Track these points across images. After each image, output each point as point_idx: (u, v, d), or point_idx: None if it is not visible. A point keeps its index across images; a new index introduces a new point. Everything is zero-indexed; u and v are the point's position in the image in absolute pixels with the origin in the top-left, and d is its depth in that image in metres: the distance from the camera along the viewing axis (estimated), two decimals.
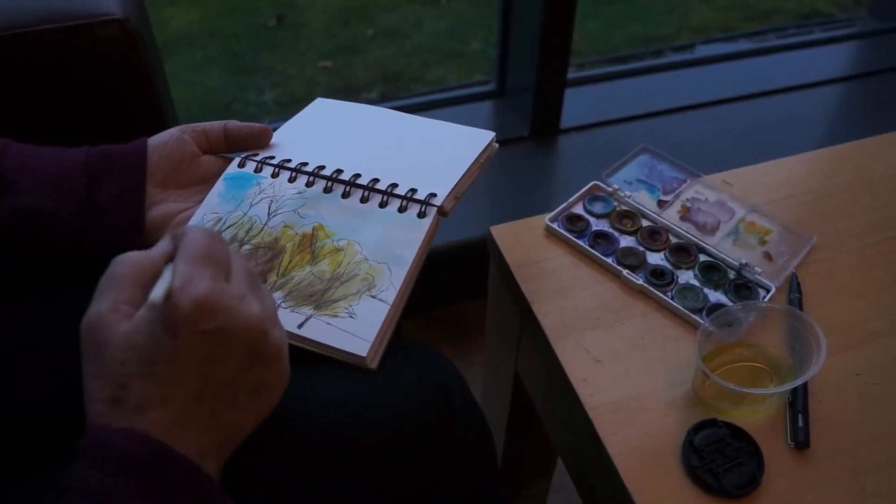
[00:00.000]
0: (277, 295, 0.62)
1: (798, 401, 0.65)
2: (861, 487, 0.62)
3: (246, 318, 0.44)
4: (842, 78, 1.89)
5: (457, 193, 0.68)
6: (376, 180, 0.69)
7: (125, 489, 0.40)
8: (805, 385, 0.66)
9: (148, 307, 0.42)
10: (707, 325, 0.67)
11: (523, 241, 0.81)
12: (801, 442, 0.63)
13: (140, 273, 0.45)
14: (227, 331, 0.43)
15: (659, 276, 0.76)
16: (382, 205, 0.67)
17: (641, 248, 0.80)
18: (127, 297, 0.44)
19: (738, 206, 0.83)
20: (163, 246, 0.47)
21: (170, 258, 0.46)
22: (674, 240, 0.81)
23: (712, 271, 0.77)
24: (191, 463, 0.42)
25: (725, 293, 0.76)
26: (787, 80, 1.85)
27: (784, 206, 0.85)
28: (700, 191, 0.85)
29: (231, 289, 0.44)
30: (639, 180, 0.86)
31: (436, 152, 0.72)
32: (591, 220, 0.82)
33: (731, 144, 1.66)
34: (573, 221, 0.82)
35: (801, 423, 0.64)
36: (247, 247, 0.66)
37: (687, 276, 0.77)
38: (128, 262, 0.45)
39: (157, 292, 0.42)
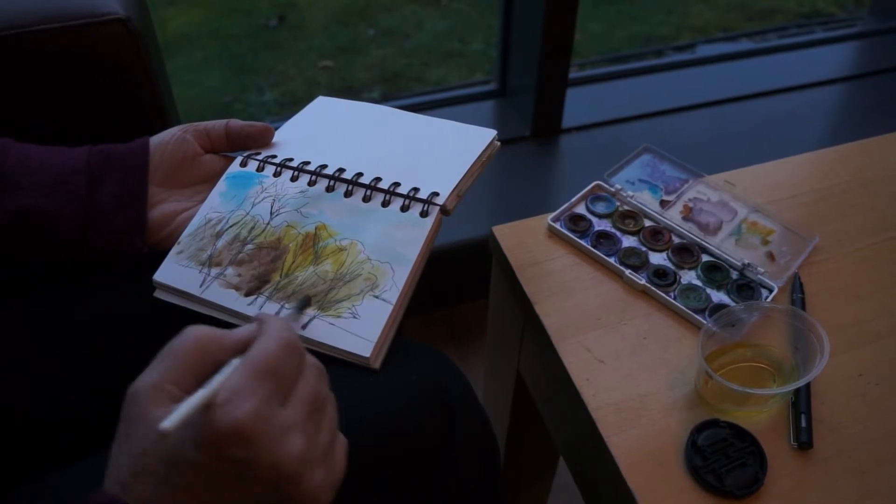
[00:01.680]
0: (280, 296, 0.62)
1: (801, 401, 0.65)
2: (863, 487, 0.61)
3: (277, 458, 0.40)
4: (843, 78, 1.89)
5: (459, 192, 0.68)
6: (378, 179, 0.69)
7: None
8: (808, 385, 0.66)
9: (186, 406, 0.39)
10: (710, 325, 0.67)
11: (525, 241, 0.80)
12: (804, 442, 0.63)
13: (201, 355, 0.42)
14: (255, 464, 0.39)
15: (661, 277, 0.76)
16: (385, 204, 0.67)
17: (644, 249, 0.80)
18: (177, 378, 0.41)
19: (741, 207, 0.83)
20: (242, 332, 0.44)
21: (242, 346, 0.43)
22: (676, 240, 0.81)
23: (715, 271, 0.77)
24: None
25: (728, 293, 0.75)
26: (788, 81, 1.85)
27: (785, 207, 0.85)
28: (702, 191, 0.85)
29: (279, 417, 0.40)
30: (641, 180, 0.86)
31: (438, 151, 0.72)
32: (594, 220, 0.82)
33: (731, 144, 1.66)
34: (575, 221, 0.82)
35: (804, 424, 0.64)
36: (249, 246, 0.66)
37: (689, 277, 0.77)
38: (193, 339, 0.42)
39: (208, 389, 0.39)
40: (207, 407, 0.38)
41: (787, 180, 0.90)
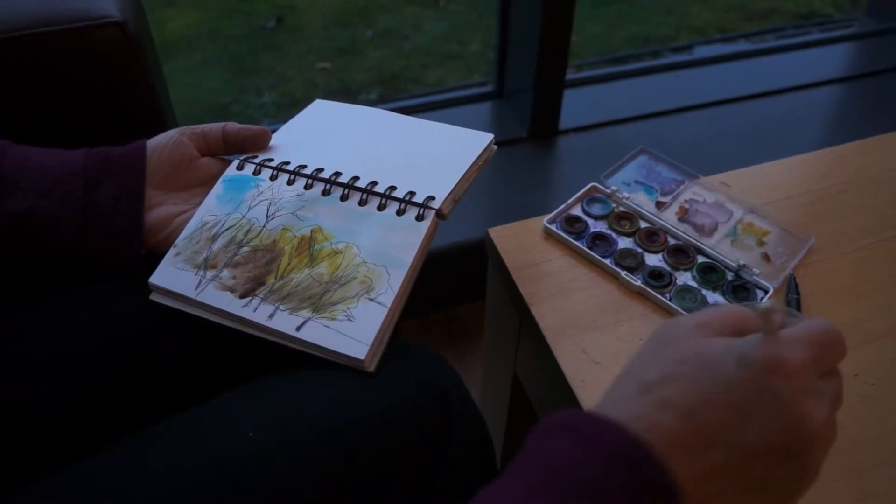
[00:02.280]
0: (275, 298, 0.62)
1: None
2: (861, 488, 0.62)
3: (806, 409, 0.39)
4: (840, 79, 1.89)
5: (455, 196, 0.68)
6: (375, 183, 0.69)
7: (590, 468, 0.38)
8: None
9: (739, 342, 0.41)
10: None
11: (522, 243, 0.81)
12: None
13: (738, 319, 0.45)
14: (784, 402, 0.39)
15: (657, 278, 0.76)
16: (381, 207, 0.67)
17: (640, 250, 0.80)
18: (720, 326, 0.44)
19: (737, 208, 0.84)
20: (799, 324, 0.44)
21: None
22: (672, 241, 0.81)
23: (710, 272, 0.77)
24: (669, 480, 0.38)
25: (723, 294, 0.76)
26: (786, 81, 1.85)
27: (782, 207, 0.86)
28: (698, 192, 0.85)
29: (816, 381, 0.40)
30: (637, 182, 0.87)
31: (434, 155, 0.73)
32: (590, 221, 0.82)
33: (729, 145, 1.66)
34: (571, 223, 0.82)
35: None
36: (245, 249, 0.66)
37: (685, 278, 0.77)
38: (737, 307, 0.45)
39: (758, 338, 0.41)
40: (765, 337, 0.40)
41: (785, 181, 0.90)
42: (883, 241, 0.82)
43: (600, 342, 0.71)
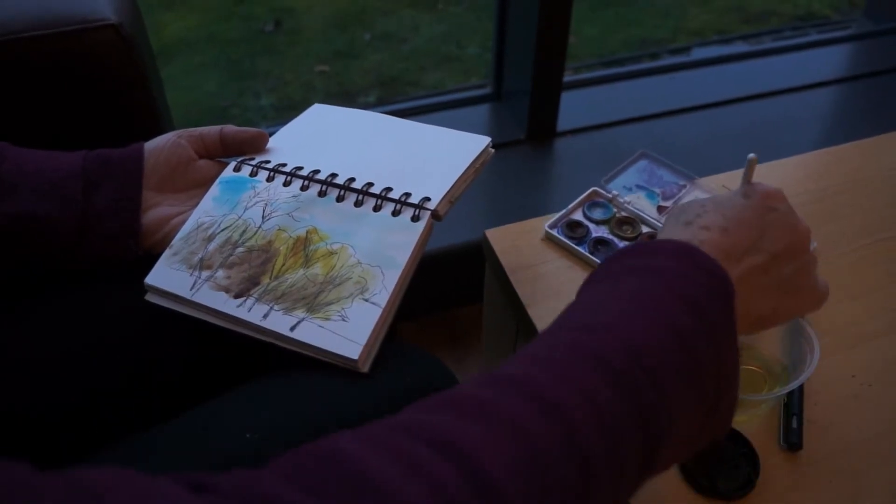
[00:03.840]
0: (270, 298, 0.62)
1: (793, 403, 0.65)
2: (856, 488, 0.62)
3: (797, 221, 0.55)
4: (838, 80, 1.89)
5: (451, 198, 0.68)
6: (370, 184, 0.69)
7: (674, 270, 0.48)
8: (801, 387, 0.66)
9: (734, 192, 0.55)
10: None
11: (519, 245, 0.81)
12: (793, 443, 0.63)
13: None
14: (783, 215, 0.54)
15: None
16: (376, 208, 0.67)
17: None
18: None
19: None
20: None
21: None
22: None
23: None
24: (723, 272, 0.49)
25: None
26: (783, 83, 1.85)
27: None
28: (699, 196, 0.85)
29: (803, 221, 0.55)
30: (638, 186, 0.87)
31: (431, 157, 0.73)
32: (591, 226, 0.82)
33: (727, 147, 1.66)
34: (573, 228, 0.82)
35: (794, 425, 0.64)
36: (240, 249, 0.66)
37: None
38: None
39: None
40: (753, 182, 0.56)
41: (782, 182, 0.90)
42: (880, 242, 0.82)
43: None
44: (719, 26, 2.53)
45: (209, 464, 0.55)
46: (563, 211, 0.83)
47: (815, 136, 1.74)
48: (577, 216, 0.83)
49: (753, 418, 0.66)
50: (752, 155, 0.57)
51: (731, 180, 0.88)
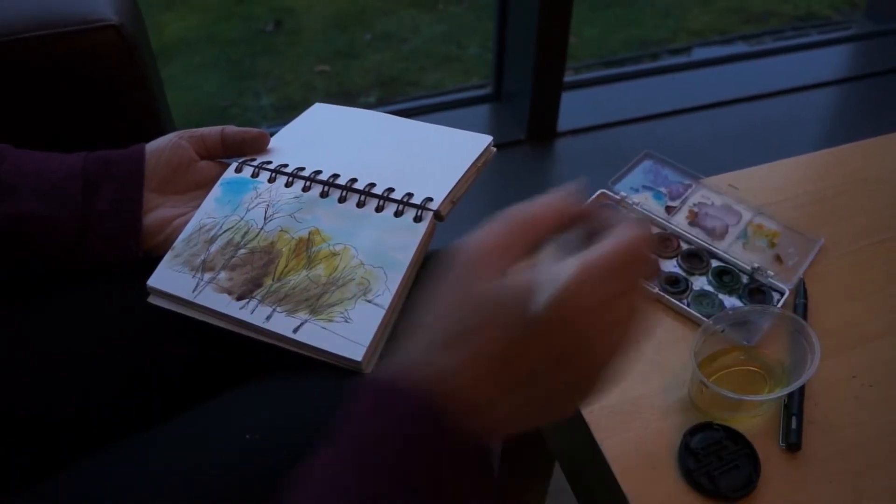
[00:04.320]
0: (272, 299, 0.62)
1: (793, 403, 0.66)
2: (856, 489, 0.62)
3: (612, 339, 0.41)
4: (838, 80, 1.89)
5: (453, 198, 0.68)
6: (372, 185, 0.69)
7: (391, 435, 0.38)
8: (802, 388, 0.66)
9: (539, 282, 0.39)
10: (699, 339, 0.66)
11: None
12: (793, 443, 0.63)
13: (531, 228, 0.43)
14: (592, 338, 0.40)
15: (673, 284, 0.76)
16: (378, 209, 0.67)
17: (653, 256, 0.79)
18: (508, 245, 0.42)
19: (745, 210, 0.83)
20: (558, 204, 0.44)
21: (565, 225, 0.44)
22: (685, 246, 0.80)
23: (725, 276, 0.77)
24: (471, 440, 0.39)
25: (740, 298, 0.75)
26: (784, 83, 1.85)
27: (780, 209, 0.86)
28: (706, 195, 0.85)
29: (622, 304, 0.41)
30: (645, 187, 0.86)
31: (432, 157, 0.73)
32: None
33: (727, 147, 1.66)
34: None
35: (794, 425, 0.64)
36: (242, 251, 0.66)
37: (701, 283, 0.77)
38: (527, 211, 0.44)
39: (563, 271, 0.39)
40: (564, 285, 0.38)
41: (782, 183, 0.90)
42: (881, 243, 0.82)
43: None
44: (720, 26, 2.53)
45: (209, 464, 0.55)
46: None
47: (815, 136, 1.74)
48: None
49: (754, 419, 0.66)
50: (571, 272, 0.39)
51: (734, 180, 0.88)
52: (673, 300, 0.74)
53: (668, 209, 0.84)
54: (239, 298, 0.63)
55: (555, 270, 0.39)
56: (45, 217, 0.62)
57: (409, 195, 0.67)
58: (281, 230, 0.67)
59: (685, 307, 0.74)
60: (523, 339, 0.39)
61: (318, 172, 0.71)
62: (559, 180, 1.57)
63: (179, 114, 2.02)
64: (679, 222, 0.82)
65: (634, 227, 0.42)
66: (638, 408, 0.66)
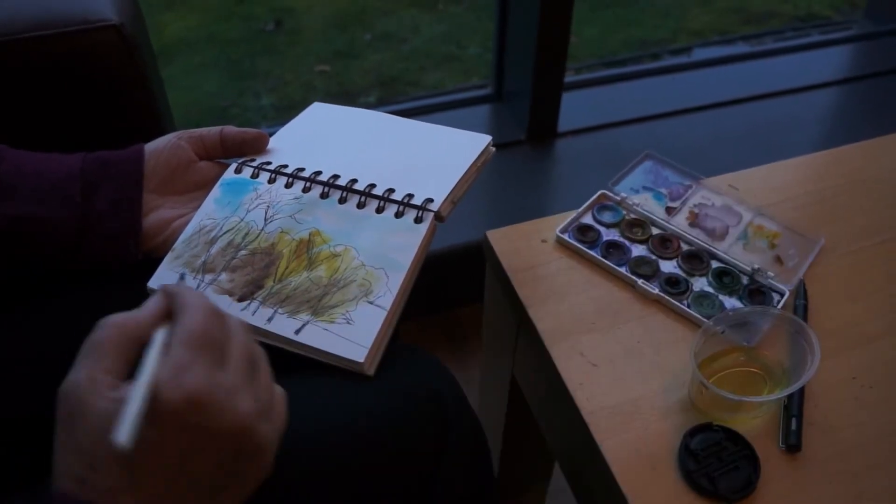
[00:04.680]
0: (274, 301, 0.62)
1: (793, 404, 0.66)
2: (856, 490, 0.62)
3: (233, 417, 0.42)
4: (838, 81, 1.89)
5: (453, 198, 0.68)
6: (373, 185, 0.69)
7: None
8: (801, 389, 0.66)
9: (132, 408, 0.39)
10: (699, 340, 0.66)
11: (519, 246, 0.81)
12: (792, 445, 0.63)
13: (125, 340, 0.43)
14: (211, 427, 0.41)
15: (674, 285, 0.76)
16: (379, 210, 0.67)
17: (654, 257, 0.79)
18: (108, 367, 0.42)
19: (745, 210, 0.84)
20: (152, 306, 0.45)
21: (158, 320, 0.44)
22: (685, 247, 0.80)
23: (725, 277, 0.77)
24: None
25: (740, 299, 0.76)
26: (784, 84, 1.85)
27: (781, 210, 0.86)
28: (706, 196, 0.85)
29: (225, 381, 0.42)
30: (645, 187, 0.86)
31: (432, 157, 0.73)
32: (602, 229, 0.82)
33: (727, 148, 1.66)
34: (584, 232, 0.81)
35: (793, 427, 0.64)
36: (243, 252, 0.66)
37: (701, 284, 0.77)
38: (112, 326, 0.43)
39: (146, 375, 0.40)
40: (156, 385, 0.40)
41: (782, 184, 0.90)
42: (881, 244, 0.82)
43: (597, 345, 0.71)
44: (720, 27, 2.53)
45: None
46: (574, 214, 0.83)
47: (815, 137, 1.74)
48: (587, 220, 0.83)
49: (754, 420, 0.66)
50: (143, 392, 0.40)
51: (734, 181, 0.88)
52: (673, 301, 0.74)
53: (669, 210, 0.84)
54: (240, 300, 0.63)
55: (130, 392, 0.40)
56: (45, 218, 0.62)
57: (410, 196, 0.67)
58: (281, 231, 0.67)
59: (685, 308, 0.74)
60: (145, 457, 0.40)
61: (319, 173, 0.71)
62: (559, 180, 1.57)
63: (180, 114, 2.02)
64: (679, 223, 0.82)
65: (194, 306, 0.44)
66: (638, 408, 0.66)
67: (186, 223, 0.68)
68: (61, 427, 0.42)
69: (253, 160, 0.73)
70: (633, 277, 0.77)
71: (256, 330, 0.62)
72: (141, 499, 0.41)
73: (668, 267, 0.79)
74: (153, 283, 0.65)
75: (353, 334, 0.60)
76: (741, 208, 0.84)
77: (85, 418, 0.41)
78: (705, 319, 0.72)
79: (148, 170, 0.67)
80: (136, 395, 0.39)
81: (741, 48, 2.33)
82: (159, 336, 0.43)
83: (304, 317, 0.61)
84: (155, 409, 0.39)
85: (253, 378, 0.45)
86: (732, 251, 0.79)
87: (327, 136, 0.77)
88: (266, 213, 0.68)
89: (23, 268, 0.66)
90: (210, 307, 0.44)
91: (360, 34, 2.43)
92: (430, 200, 0.67)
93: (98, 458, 0.40)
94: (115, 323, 0.43)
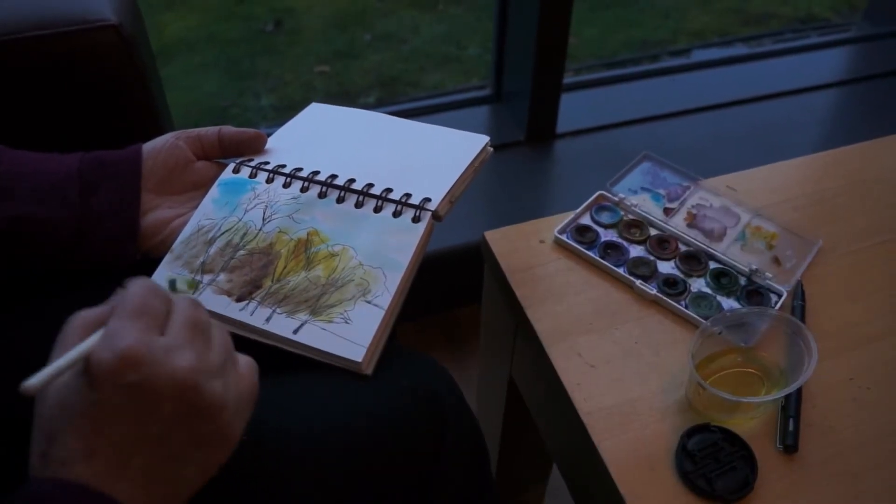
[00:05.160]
0: (272, 301, 0.62)
1: (790, 405, 0.66)
2: (854, 491, 0.62)
3: (171, 371, 0.42)
4: (838, 82, 1.89)
5: (451, 198, 0.68)
6: (371, 185, 0.69)
7: None
8: (799, 390, 0.67)
9: (56, 363, 0.41)
10: (696, 341, 0.66)
11: (517, 247, 0.81)
12: (789, 445, 0.63)
13: (85, 330, 0.44)
14: (150, 383, 0.41)
15: (672, 285, 0.76)
16: (377, 210, 0.68)
17: (652, 258, 0.79)
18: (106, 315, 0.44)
19: (743, 211, 0.84)
20: (112, 301, 0.46)
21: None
22: (683, 248, 0.81)
23: (723, 278, 0.77)
24: None
25: (738, 300, 0.76)
26: (784, 85, 1.85)
27: (779, 211, 0.86)
28: (704, 197, 0.85)
29: (160, 341, 0.43)
30: (643, 188, 0.87)
31: (430, 157, 0.73)
32: (600, 230, 0.82)
33: (727, 149, 1.66)
34: (582, 232, 0.81)
35: (791, 428, 0.64)
36: (241, 252, 0.66)
37: (699, 284, 0.77)
38: (78, 318, 0.45)
39: (84, 346, 0.42)
40: (90, 352, 0.41)
41: (780, 185, 0.90)
42: (879, 245, 0.82)
43: (595, 345, 0.71)
44: (719, 28, 2.53)
45: None
46: (572, 215, 0.83)
47: (815, 138, 1.74)
48: (585, 220, 0.83)
49: (751, 421, 0.66)
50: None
51: (732, 182, 0.88)
52: (671, 302, 0.74)
53: (667, 211, 0.84)
54: (239, 300, 0.63)
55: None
56: (43, 218, 0.62)
57: (408, 195, 0.68)
58: (279, 231, 0.67)
59: (683, 309, 0.74)
60: (90, 419, 0.41)
61: (316, 173, 0.71)
62: (559, 181, 1.57)
63: (178, 114, 2.02)
64: (677, 224, 0.82)
65: (134, 284, 0.45)
66: (635, 409, 0.66)
67: (185, 223, 0.68)
68: (35, 415, 0.44)
69: (251, 160, 0.73)
70: (631, 278, 0.77)
71: (255, 330, 0.62)
72: (97, 468, 0.41)
73: (666, 268, 0.79)
74: None
75: (351, 334, 0.60)
76: (739, 209, 0.84)
77: (45, 398, 0.43)
78: (703, 320, 0.72)
79: (146, 170, 0.67)
80: (66, 356, 0.41)
81: (740, 49, 2.33)
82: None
83: (303, 316, 0.61)
84: (89, 370, 0.41)
85: (199, 341, 0.45)
86: (730, 252, 0.79)
87: (325, 135, 0.77)
88: (264, 213, 0.68)
89: (22, 268, 0.66)
90: (150, 284, 0.45)
91: (359, 34, 2.43)
92: (428, 200, 0.67)
93: (55, 430, 0.41)
94: (79, 316, 0.45)
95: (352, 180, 0.70)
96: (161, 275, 0.66)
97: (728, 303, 0.75)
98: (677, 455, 0.62)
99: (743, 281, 0.77)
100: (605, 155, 1.60)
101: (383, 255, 0.64)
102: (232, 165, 0.72)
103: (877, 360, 0.71)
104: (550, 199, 1.53)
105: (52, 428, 0.42)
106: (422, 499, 0.61)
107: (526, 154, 1.62)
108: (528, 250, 0.80)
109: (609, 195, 0.86)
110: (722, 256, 0.79)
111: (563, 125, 1.65)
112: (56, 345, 0.44)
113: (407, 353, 0.66)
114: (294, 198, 0.69)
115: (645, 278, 0.77)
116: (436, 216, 0.66)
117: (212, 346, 0.46)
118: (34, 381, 0.40)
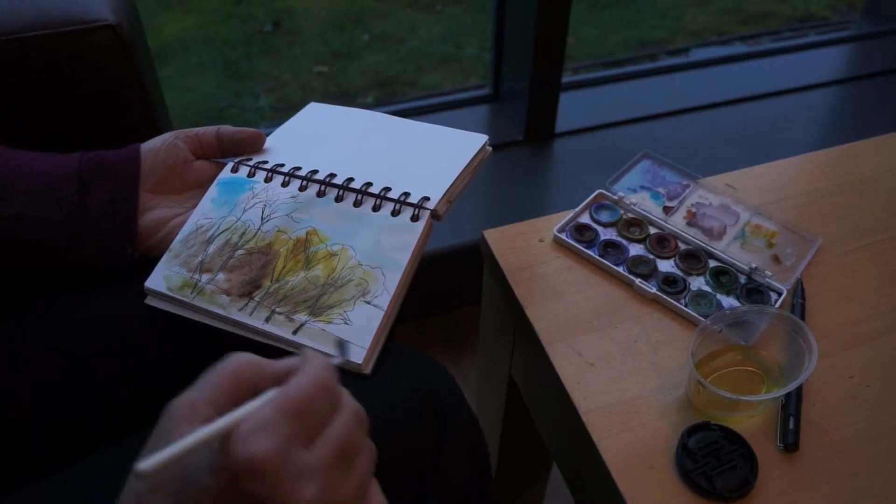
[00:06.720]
0: (271, 300, 0.62)
1: (790, 403, 0.66)
2: (853, 489, 0.62)
3: (289, 500, 0.37)
4: (836, 81, 1.89)
5: (450, 197, 0.68)
6: (369, 184, 0.69)
7: None
8: (799, 388, 0.66)
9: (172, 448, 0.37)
10: (696, 339, 0.66)
11: (516, 246, 0.81)
12: (789, 444, 0.63)
13: (241, 380, 0.41)
14: (264, 501, 0.37)
15: (671, 284, 0.76)
16: (376, 209, 0.67)
17: (651, 256, 0.79)
18: (214, 398, 0.40)
19: (742, 210, 0.83)
20: (284, 363, 0.43)
21: (284, 378, 0.41)
22: (682, 246, 0.80)
23: (723, 276, 0.77)
24: None
25: (738, 298, 0.75)
26: (782, 84, 1.85)
27: (779, 209, 0.86)
28: (704, 195, 0.85)
29: (298, 460, 0.38)
30: (643, 187, 0.86)
31: (429, 156, 0.73)
32: (599, 229, 0.82)
33: (725, 148, 1.66)
34: (581, 231, 0.81)
35: (791, 426, 0.64)
36: (240, 252, 0.66)
37: (699, 283, 0.77)
38: (235, 361, 0.41)
39: (221, 422, 0.38)
40: (229, 436, 0.37)
41: (780, 183, 0.90)
42: (878, 243, 0.82)
43: (595, 344, 0.71)
44: (718, 27, 2.53)
45: None
46: (571, 214, 0.83)
47: (813, 136, 1.74)
48: (585, 219, 0.83)
49: (751, 419, 0.66)
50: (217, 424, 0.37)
51: (732, 180, 0.88)
52: (670, 300, 0.74)
53: (666, 209, 0.84)
54: (237, 300, 0.63)
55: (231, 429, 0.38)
56: (41, 218, 0.62)
57: (406, 194, 0.67)
58: (278, 230, 0.67)
59: (683, 307, 0.74)
60: (194, 495, 0.38)
61: (315, 172, 0.71)
62: (557, 181, 1.57)
63: (177, 115, 2.02)
64: (677, 222, 0.82)
65: (303, 383, 0.40)
66: (635, 408, 0.66)
67: (183, 223, 0.68)
68: (151, 440, 0.40)
69: (249, 159, 0.73)
70: (631, 277, 0.76)
71: (254, 329, 0.62)
72: None
73: (666, 266, 0.79)
74: (150, 283, 0.65)
75: (350, 335, 0.60)
76: (739, 207, 0.84)
77: (167, 439, 0.39)
78: (703, 318, 0.72)
79: (144, 169, 0.67)
80: (194, 436, 0.37)
81: (739, 48, 2.33)
82: (269, 393, 0.40)
83: (302, 317, 0.61)
84: (219, 459, 0.37)
85: (339, 469, 0.40)
86: (730, 250, 0.79)
87: (324, 135, 0.77)
88: (263, 212, 0.68)
89: (20, 268, 0.66)
90: (325, 380, 0.41)
91: (357, 35, 2.43)
92: (427, 199, 0.67)
93: (160, 483, 0.39)
94: (240, 360, 0.41)
95: (350, 179, 0.69)
96: (159, 274, 0.66)
97: (728, 301, 0.75)
98: (677, 453, 0.62)
99: (743, 279, 0.77)
100: (604, 154, 1.60)
101: (382, 254, 0.64)
102: (230, 164, 0.72)
103: (876, 358, 0.71)
104: (549, 198, 1.53)
105: (160, 481, 0.39)
106: (421, 498, 0.61)
107: (525, 153, 1.62)
108: (528, 249, 0.80)
109: (608, 194, 0.86)
110: (721, 255, 0.79)
111: (561, 124, 1.65)
112: (206, 374, 0.41)
113: (406, 352, 0.66)
114: (293, 197, 0.69)
115: (644, 277, 0.77)
116: (434, 215, 0.66)
117: (349, 476, 0.41)
118: (146, 465, 0.36)
